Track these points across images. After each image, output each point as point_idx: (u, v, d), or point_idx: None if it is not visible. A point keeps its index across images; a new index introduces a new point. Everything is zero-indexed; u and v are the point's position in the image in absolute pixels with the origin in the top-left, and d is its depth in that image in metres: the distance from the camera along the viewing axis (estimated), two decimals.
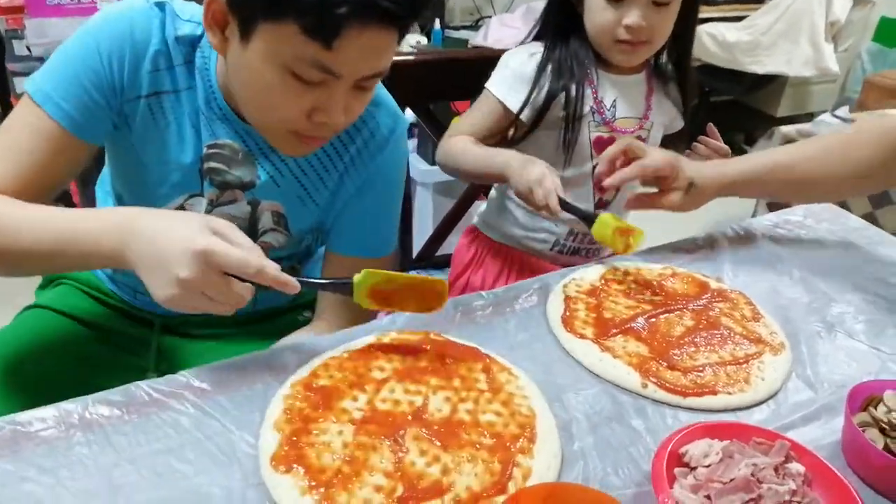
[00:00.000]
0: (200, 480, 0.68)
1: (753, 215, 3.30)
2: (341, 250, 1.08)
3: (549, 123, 1.26)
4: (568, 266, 1.14)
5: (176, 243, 0.73)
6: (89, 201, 1.24)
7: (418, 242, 1.64)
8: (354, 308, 1.08)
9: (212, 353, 1.13)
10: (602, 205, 1.35)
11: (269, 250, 1.07)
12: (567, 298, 0.99)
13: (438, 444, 0.73)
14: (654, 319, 0.97)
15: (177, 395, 0.77)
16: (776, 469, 0.72)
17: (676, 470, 0.73)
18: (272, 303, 1.19)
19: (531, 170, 1.09)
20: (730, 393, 0.85)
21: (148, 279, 0.77)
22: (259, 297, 1.16)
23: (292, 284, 0.78)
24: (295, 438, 0.72)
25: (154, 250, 0.75)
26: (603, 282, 1.05)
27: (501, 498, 0.68)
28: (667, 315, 0.98)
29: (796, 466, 0.73)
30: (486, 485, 0.69)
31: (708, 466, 0.72)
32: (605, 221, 1.06)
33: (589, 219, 1.08)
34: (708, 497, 0.70)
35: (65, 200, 2.91)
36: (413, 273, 0.90)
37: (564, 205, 1.07)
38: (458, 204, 1.62)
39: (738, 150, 4.14)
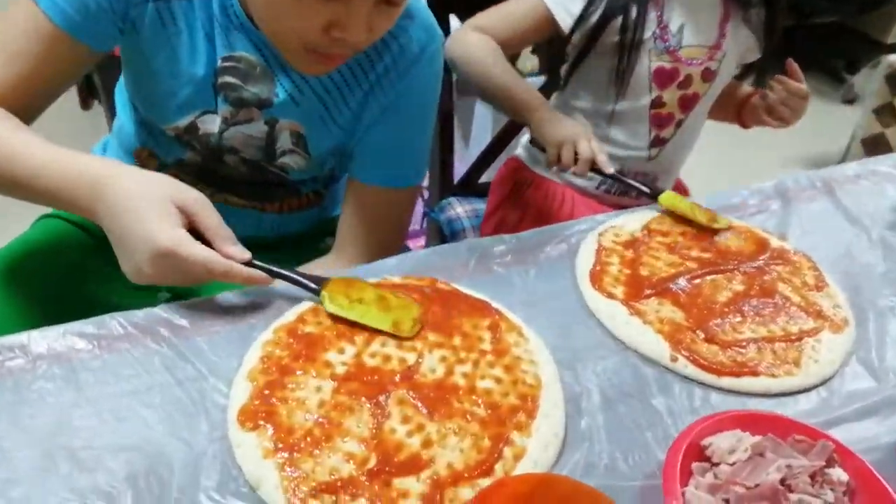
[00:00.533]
0: (162, 430, 0.63)
1: (843, 159, 3.03)
2: (364, 177, 0.99)
3: (601, 48, 1.11)
4: (617, 208, 1.02)
5: (139, 236, 0.69)
6: (111, 104, 1.18)
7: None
8: (379, 240, 1.00)
9: None
10: (659, 142, 1.21)
11: (289, 172, 1.00)
12: (600, 249, 0.88)
13: (425, 410, 0.65)
14: (697, 281, 0.85)
15: (153, 331, 0.72)
16: (813, 476, 0.62)
17: (695, 465, 0.63)
18: (294, 228, 1.12)
19: (573, 124, 0.98)
20: (774, 375, 0.74)
21: (115, 250, 0.73)
22: (279, 221, 1.10)
23: (264, 279, 0.75)
24: (268, 392, 0.65)
25: (119, 230, 0.71)
26: (645, 232, 0.93)
27: (486, 481, 0.60)
28: (714, 276, 0.86)
29: (838, 473, 0.63)
30: (470, 463, 0.62)
31: (733, 464, 0.63)
32: (673, 196, 0.97)
33: (649, 193, 0.97)
34: (726, 501, 0.60)
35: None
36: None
37: (617, 175, 0.99)
38: (507, 125, 1.49)
39: (837, 79, 3.81)
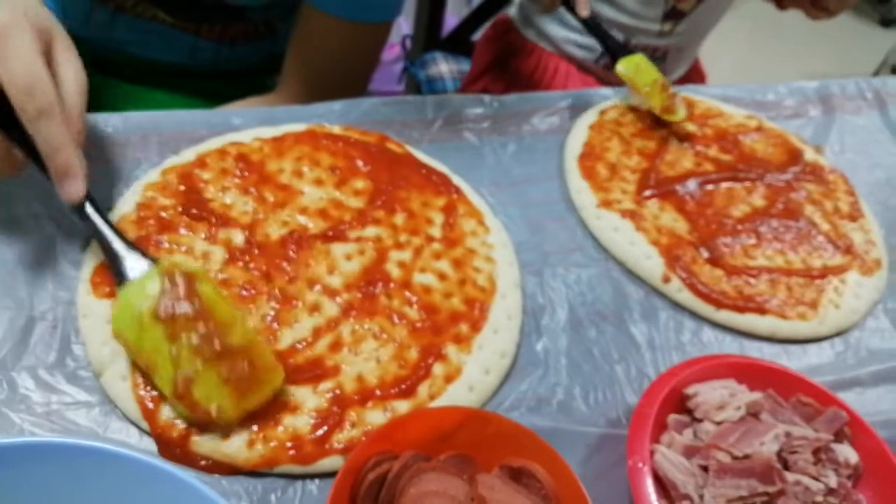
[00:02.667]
0: None
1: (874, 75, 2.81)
2: (320, 3, 0.78)
3: None
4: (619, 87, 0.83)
5: None
6: None
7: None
8: (332, 82, 0.82)
9: (148, 101, 0.90)
10: (675, 15, 0.99)
11: None
12: (599, 126, 0.71)
13: (339, 302, 0.50)
14: (710, 186, 0.69)
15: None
16: (816, 452, 0.49)
17: (672, 417, 0.50)
18: (238, 61, 0.92)
19: None
20: (784, 316, 0.59)
21: None
22: (219, 51, 0.90)
23: (71, 188, 0.46)
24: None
25: None
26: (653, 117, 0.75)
27: (404, 404, 0.46)
28: (731, 184, 0.70)
29: (847, 452, 0.50)
30: (387, 379, 0.47)
31: (719, 423, 0.49)
32: (640, 64, 0.75)
33: (616, 50, 0.76)
34: (704, 469, 0.47)
35: None
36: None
37: (591, 23, 0.76)
38: None
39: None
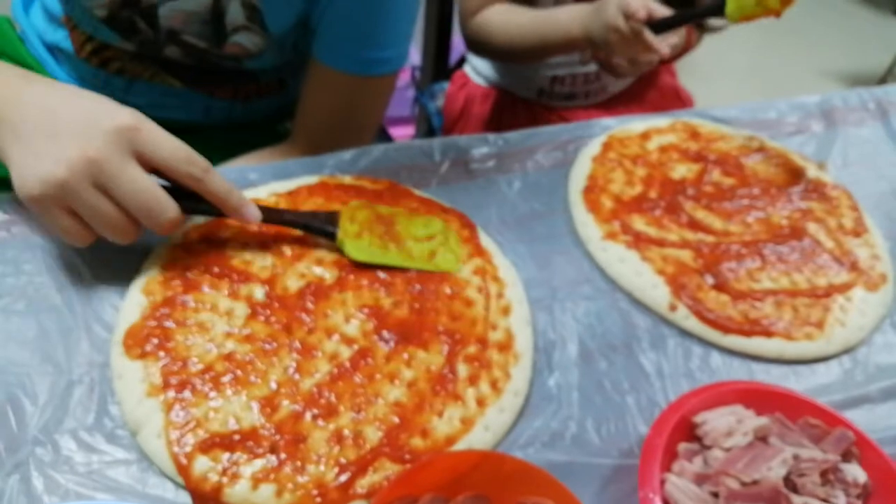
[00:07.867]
0: (30, 348, 0.51)
1: (884, 79, 2.78)
2: (328, 60, 0.80)
3: None
4: (580, 119, 0.86)
5: (88, 114, 0.50)
6: None
7: None
8: (343, 133, 0.84)
9: None
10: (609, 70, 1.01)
11: (243, 59, 0.82)
12: (601, 158, 0.73)
13: (356, 348, 0.53)
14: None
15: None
16: (824, 473, 0.50)
17: (682, 446, 0.52)
18: (250, 115, 0.95)
19: (608, 5, 0.81)
20: (791, 337, 0.61)
21: (24, 155, 0.49)
22: (232, 109, 0.92)
23: (251, 212, 0.56)
24: (167, 310, 0.52)
25: (49, 121, 0.50)
26: (659, 146, 0.77)
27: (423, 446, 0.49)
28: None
29: (855, 472, 0.51)
30: (405, 423, 0.50)
31: (728, 450, 0.51)
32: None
33: (711, 9, 0.76)
34: (715, 496, 0.49)
35: None
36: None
37: (661, 24, 0.81)
38: None
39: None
